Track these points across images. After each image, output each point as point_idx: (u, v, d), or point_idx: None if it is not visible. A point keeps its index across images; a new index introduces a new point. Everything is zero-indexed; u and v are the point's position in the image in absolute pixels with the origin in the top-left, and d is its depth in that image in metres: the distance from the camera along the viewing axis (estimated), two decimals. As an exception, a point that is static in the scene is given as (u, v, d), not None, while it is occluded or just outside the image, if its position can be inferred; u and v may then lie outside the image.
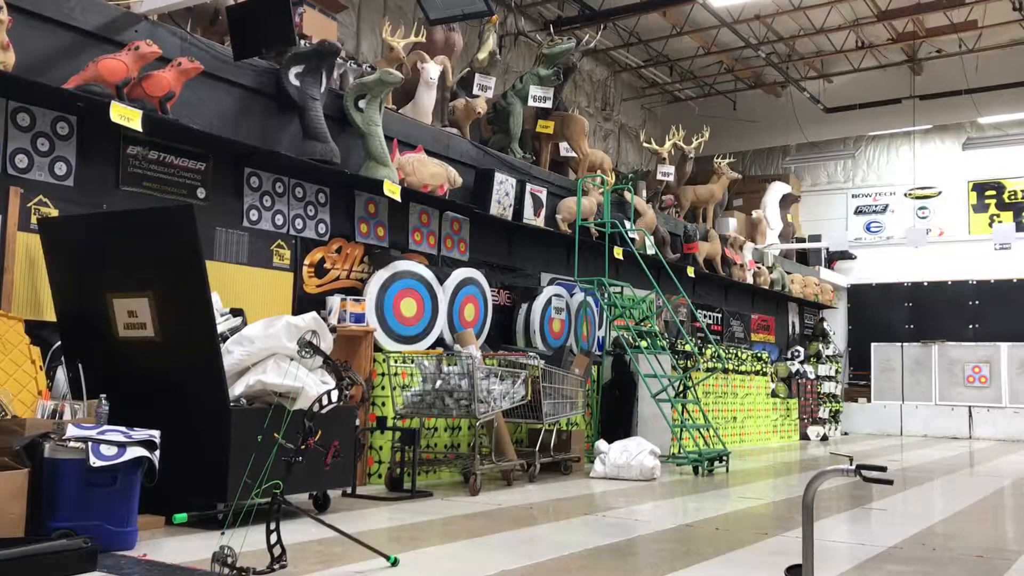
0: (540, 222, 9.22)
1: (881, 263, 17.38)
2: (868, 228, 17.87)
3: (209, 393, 4.58)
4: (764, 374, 13.04)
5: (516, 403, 6.91)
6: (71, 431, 3.91)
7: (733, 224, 14.65)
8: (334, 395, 4.12)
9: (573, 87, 15.24)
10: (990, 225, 16.47)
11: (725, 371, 11.69)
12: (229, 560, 3.41)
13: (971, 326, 16.49)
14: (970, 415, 15.49)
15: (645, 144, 12.97)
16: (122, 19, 5.64)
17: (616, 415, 9.11)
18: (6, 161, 5.04)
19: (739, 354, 12.51)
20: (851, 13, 14.48)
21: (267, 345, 4.95)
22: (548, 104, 9.79)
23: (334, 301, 6.75)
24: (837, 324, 17.44)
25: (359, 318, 6.71)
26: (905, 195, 16.98)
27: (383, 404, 6.72)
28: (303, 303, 6.69)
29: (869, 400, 16.48)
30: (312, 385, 4.93)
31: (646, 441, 8.00)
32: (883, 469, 2.78)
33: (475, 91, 9.24)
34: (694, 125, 13.81)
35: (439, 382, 6.57)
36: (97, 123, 5.33)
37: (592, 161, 10.62)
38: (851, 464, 2.83)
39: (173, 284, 4.61)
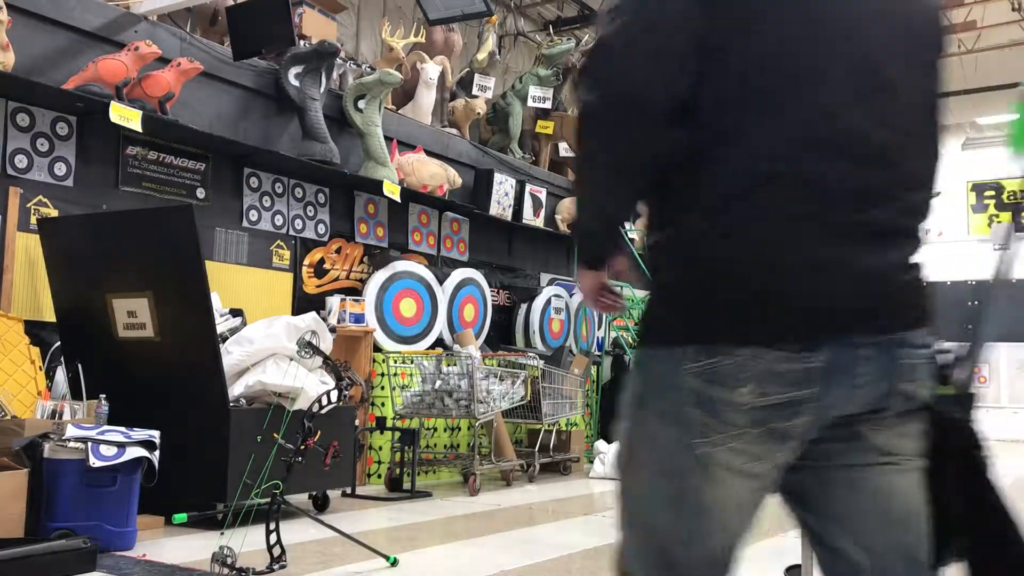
0: (540, 222, 9.22)
1: (880, 263, 17.39)
2: (867, 228, 17.91)
3: (209, 393, 4.59)
4: (763, 374, 13.04)
5: (515, 403, 6.91)
6: (71, 431, 3.91)
7: (732, 224, 14.66)
8: (333, 395, 4.13)
9: (573, 87, 15.25)
10: (989, 225, 16.48)
11: (724, 371, 11.69)
12: (229, 560, 3.41)
13: (970, 326, 16.50)
14: (969, 415, 15.50)
15: (644, 144, 12.97)
16: (122, 19, 5.65)
17: (616, 415, 9.10)
18: (6, 161, 5.04)
19: (738, 354, 12.50)
20: (850, 13, 14.48)
21: (267, 345, 4.96)
22: (548, 104, 9.80)
23: (334, 301, 6.75)
24: (836, 324, 17.46)
25: (359, 318, 6.72)
26: (904, 195, 17.00)
27: (383, 404, 6.72)
28: (303, 303, 6.69)
29: (868, 400, 16.49)
30: (312, 385, 4.93)
31: (645, 441, 7.99)
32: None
33: (474, 91, 9.24)
34: (693, 125, 13.81)
35: (438, 382, 6.57)
36: (97, 123, 5.33)
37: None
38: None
39: (173, 284, 4.61)
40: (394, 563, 3.93)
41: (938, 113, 1.48)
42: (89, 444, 3.86)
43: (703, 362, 1.21)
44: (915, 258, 1.34)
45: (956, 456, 1.32)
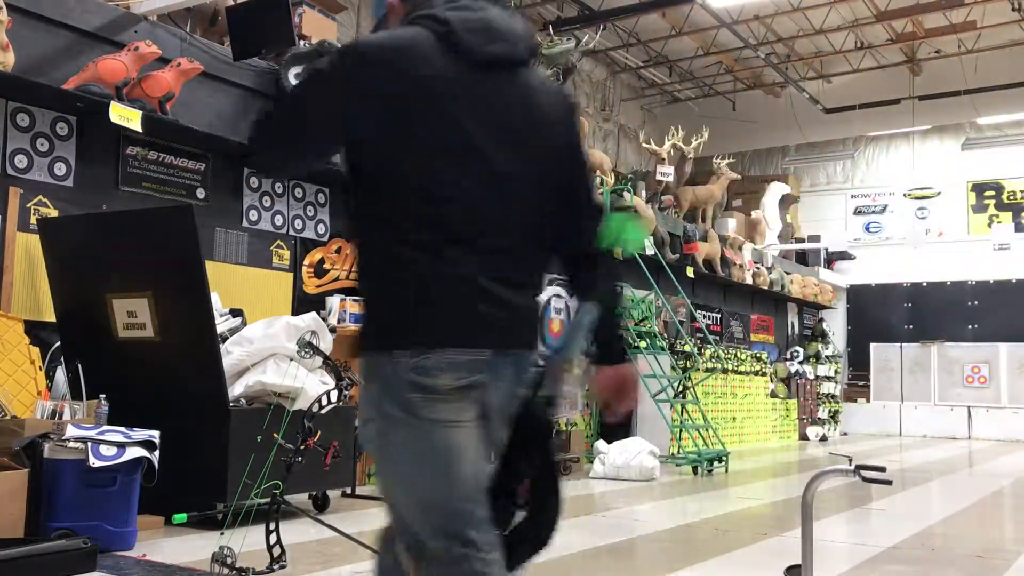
0: (539, 222, 9.20)
1: (880, 263, 17.38)
2: (867, 228, 17.88)
3: (209, 393, 4.59)
4: (763, 374, 13.05)
5: (515, 403, 6.90)
6: (71, 431, 3.91)
7: (732, 224, 14.65)
8: (333, 395, 4.12)
9: (572, 88, 15.25)
10: (989, 225, 16.48)
11: (724, 371, 11.69)
12: (229, 560, 3.41)
13: (970, 326, 16.50)
14: (969, 415, 15.49)
15: (644, 145, 12.98)
16: (122, 19, 5.65)
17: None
18: (6, 161, 5.04)
19: (738, 354, 12.51)
20: (850, 14, 14.49)
21: (267, 345, 4.96)
22: (547, 104, 9.78)
23: (333, 301, 6.75)
24: (836, 324, 17.45)
25: (359, 318, 6.71)
26: (904, 196, 16.99)
27: (382, 404, 6.72)
28: (303, 303, 6.69)
29: (868, 400, 16.48)
30: (311, 385, 4.93)
31: (645, 441, 8.00)
32: (882, 469, 2.79)
33: (474, 91, 9.23)
34: (693, 125, 13.82)
35: (438, 382, 6.57)
36: (97, 123, 5.32)
37: (591, 162, 10.62)
38: (850, 464, 2.83)
39: (173, 284, 4.61)
40: (394, 563, 3.92)
41: (553, 189, 1.94)
42: (89, 444, 3.86)
43: (416, 361, 1.72)
44: (535, 302, 1.93)
45: (538, 440, 1.91)
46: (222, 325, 5.30)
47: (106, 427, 4.07)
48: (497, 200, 1.83)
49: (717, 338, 13.28)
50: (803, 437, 14.17)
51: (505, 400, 1.84)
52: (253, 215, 6.47)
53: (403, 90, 1.77)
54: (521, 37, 1.92)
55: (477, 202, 1.80)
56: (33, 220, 5.08)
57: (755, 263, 14.35)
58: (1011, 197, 16.75)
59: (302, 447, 3.76)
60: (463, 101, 1.81)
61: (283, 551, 3.63)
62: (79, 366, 4.63)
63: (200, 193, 6.10)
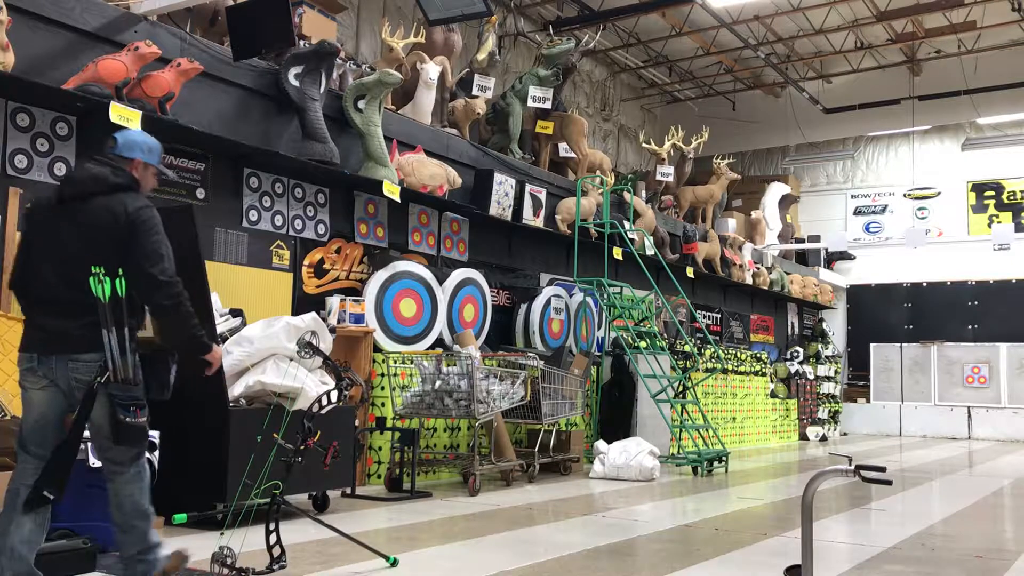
0: (539, 223, 9.22)
1: (880, 264, 17.38)
2: (867, 228, 17.88)
3: (209, 394, 4.59)
4: (763, 375, 13.05)
5: (515, 403, 6.91)
6: (70, 431, 3.92)
7: (732, 225, 14.65)
8: (333, 395, 4.12)
9: (572, 88, 15.25)
10: (989, 226, 16.47)
11: (724, 371, 11.69)
12: (228, 560, 3.41)
13: (970, 327, 16.50)
14: (969, 415, 15.49)
15: (644, 144, 12.98)
16: (122, 19, 5.65)
17: (615, 415, 9.12)
18: (6, 161, 5.04)
19: (738, 355, 12.51)
20: (850, 14, 14.49)
21: (266, 345, 4.96)
22: (547, 104, 9.80)
23: (333, 301, 6.75)
24: (836, 324, 17.45)
25: (358, 319, 6.72)
26: (904, 196, 16.99)
27: (382, 404, 6.73)
28: (302, 303, 6.69)
29: (868, 400, 16.48)
30: (311, 385, 4.93)
31: (645, 442, 8.00)
32: (882, 469, 2.79)
33: (474, 92, 9.24)
34: (693, 125, 13.82)
35: (438, 383, 6.57)
36: (97, 124, 5.32)
37: (591, 161, 10.63)
38: (850, 464, 2.83)
39: (173, 284, 4.60)
40: (394, 563, 3.93)
41: (87, 271, 3.23)
42: (89, 444, 3.86)
43: (20, 355, 3.29)
44: (84, 323, 3.19)
45: (82, 401, 3.22)
46: (222, 325, 5.31)
47: (106, 427, 4.06)
48: (57, 277, 3.23)
49: (717, 338, 13.29)
50: (803, 437, 14.17)
51: (65, 381, 3.20)
52: (253, 215, 6.47)
53: (31, 212, 3.42)
54: (88, 182, 3.30)
55: (43, 278, 3.26)
56: (33, 220, 5.08)
57: (755, 263, 14.35)
58: (1011, 197, 16.75)
59: (302, 447, 3.77)
60: (50, 220, 3.31)
61: (283, 551, 3.63)
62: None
63: (200, 193, 6.10)
